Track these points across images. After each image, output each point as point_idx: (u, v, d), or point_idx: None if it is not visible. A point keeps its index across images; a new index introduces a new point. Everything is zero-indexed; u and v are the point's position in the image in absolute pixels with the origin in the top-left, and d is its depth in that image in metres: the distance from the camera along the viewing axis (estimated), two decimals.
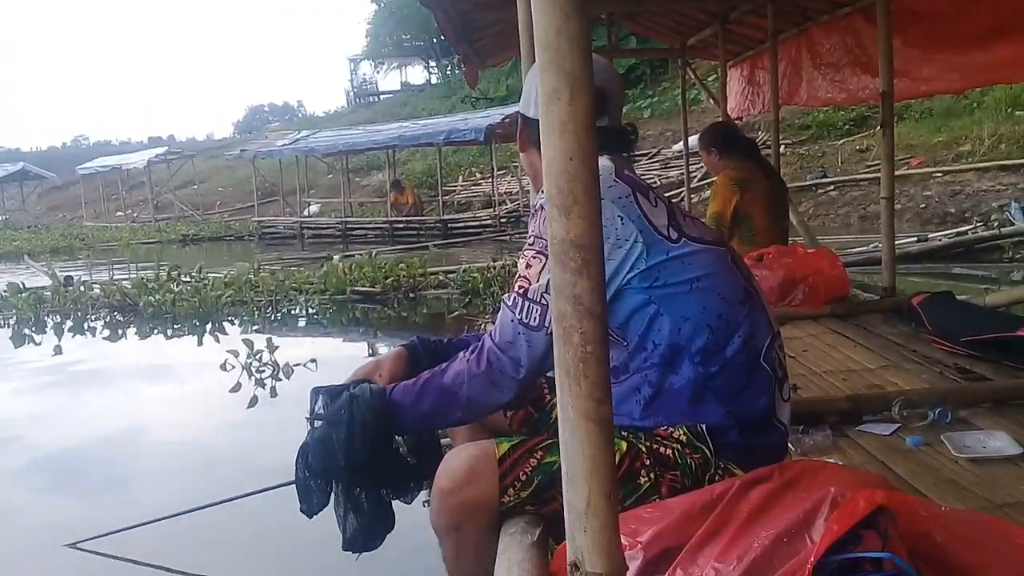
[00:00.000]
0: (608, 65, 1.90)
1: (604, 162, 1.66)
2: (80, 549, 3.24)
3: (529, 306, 1.60)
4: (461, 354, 1.71)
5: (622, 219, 1.59)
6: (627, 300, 1.61)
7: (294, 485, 1.84)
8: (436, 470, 1.70)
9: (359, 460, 1.71)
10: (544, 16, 0.87)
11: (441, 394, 1.68)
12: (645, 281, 1.59)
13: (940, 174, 12.61)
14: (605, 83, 1.69)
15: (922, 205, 11.91)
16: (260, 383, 5.82)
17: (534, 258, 1.62)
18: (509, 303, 1.63)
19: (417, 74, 44.80)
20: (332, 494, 1.79)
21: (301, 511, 1.80)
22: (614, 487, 0.97)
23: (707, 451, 1.61)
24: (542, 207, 1.62)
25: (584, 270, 0.93)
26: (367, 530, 1.80)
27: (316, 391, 1.86)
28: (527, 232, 1.70)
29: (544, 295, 1.56)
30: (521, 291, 1.62)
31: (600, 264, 0.94)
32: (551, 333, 1.56)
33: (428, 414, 1.70)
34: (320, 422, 1.81)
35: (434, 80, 40.09)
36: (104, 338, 8.32)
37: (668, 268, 1.60)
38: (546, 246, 1.58)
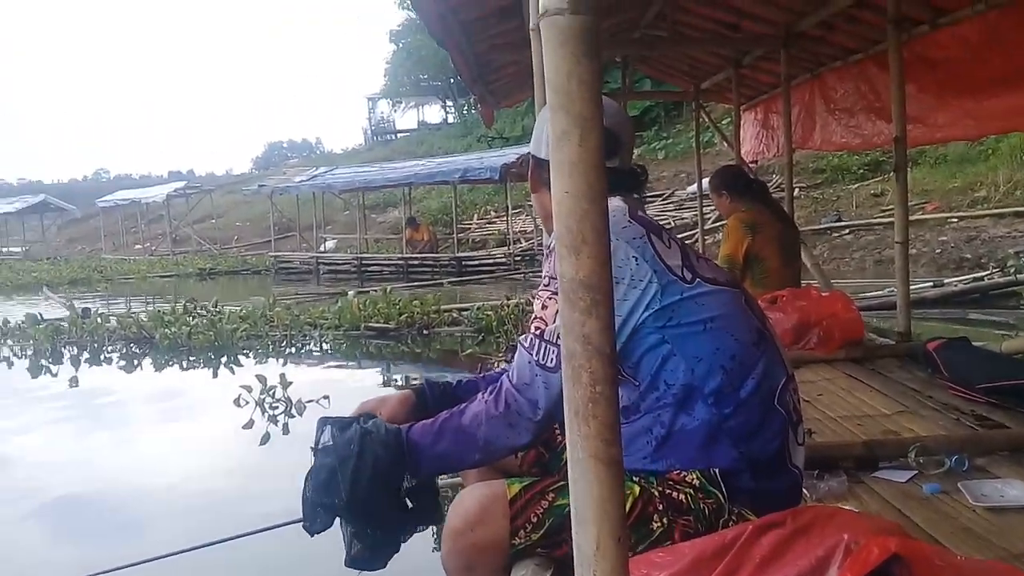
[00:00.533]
0: (619, 108, 1.92)
1: (617, 203, 1.67)
2: None
3: (546, 347, 1.60)
4: (479, 395, 1.71)
5: (637, 260, 1.59)
6: (640, 340, 1.60)
7: (300, 512, 1.83)
8: (430, 514, 1.69)
9: (361, 497, 1.70)
10: (555, 59, 0.88)
11: (459, 434, 1.68)
12: (659, 321, 1.59)
13: (956, 219, 12.57)
14: (616, 125, 1.71)
15: (938, 250, 11.86)
16: (273, 420, 5.82)
17: (549, 299, 1.62)
18: (526, 345, 1.64)
19: (434, 113, 45.30)
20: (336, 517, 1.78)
21: (304, 528, 1.79)
22: (624, 530, 0.96)
23: (720, 496, 1.59)
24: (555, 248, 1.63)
25: (593, 310, 0.93)
26: (371, 551, 1.79)
27: (323, 421, 1.85)
28: (541, 271, 1.70)
29: (560, 337, 1.55)
30: (537, 332, 1.62)
31: (609, 304, 0.94)
32: None
33: (445, 455, 1.70)
34: (325, 453, 1.81)
35: (451, 119, 40.50)
36: (120, 368, 8.36)
37: (682, 308, 1.60)
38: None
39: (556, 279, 1.59)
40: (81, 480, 4.87)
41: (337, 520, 1.79)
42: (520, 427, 1.64)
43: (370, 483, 1.69)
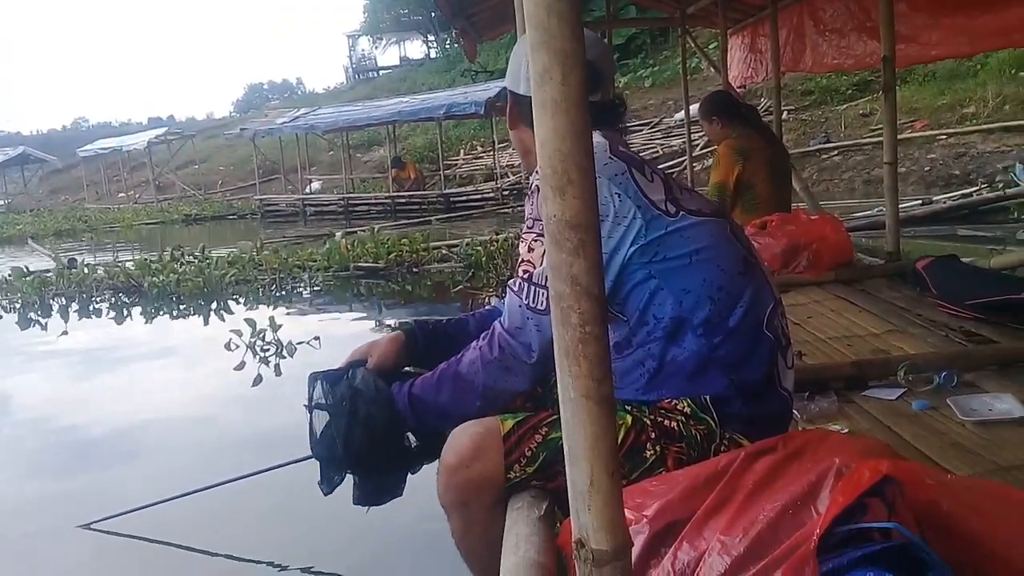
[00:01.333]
0: (598, 39, 1.88)
1: (598, 139, 1.65)
2: (93, 529, 3.28)
3: (535, 290, 1.61)
4: (474, 343, 1.73)
5: (619, 196, 1.58)
6: (627, 276, 1.61)
7: (304, 462, 1.86)
8: (439, 450, 1.72)
9: (360, 453, 1.75)
10: None
11: (457, 382, 1.72)
12: (645, 256, 1.59)
13: (944, 137, 12.52)
14: (597, 58, 1.68)
15: (926, 168, 11.83)
16: (264, 361, 5.84)
17: (535, 241, 1.62)
18: (515, 288, 1.65)
19: (416, 48, 44.58)
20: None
21: (320, 487, 1.85)
22: (617, 465, 0.97)
23: (712, 422, 1.62)
24: (538, 188, 1.62)
25: (580, 250, 0.92)
26: (377, 491, 1.84)
27: (314, 377, 1.87)
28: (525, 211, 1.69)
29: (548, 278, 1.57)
30: (526, 276, 1.63)
31: (597, 244, 0.93)
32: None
33: (447, 405, 1.74)
34: (319, 410, 1.82)
35: (433, 54, 39.84)
36: (110, 319, 8.36)
37: (667, 242, 1.60)
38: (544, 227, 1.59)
39: (540, 220, 1.60)
40: (81, 424, 4.91)
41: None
42: (517, 370, 1.67)
43: (367, 440, 1.73)
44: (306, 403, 1.86)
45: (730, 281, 1.63)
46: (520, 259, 1.67)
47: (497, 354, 1.67)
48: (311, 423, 1.86)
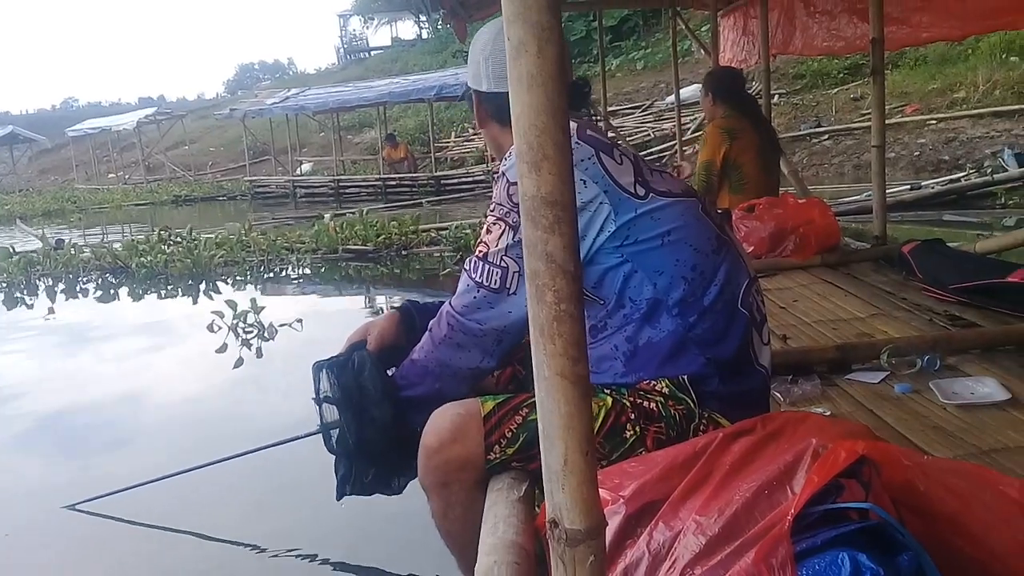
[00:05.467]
0: None
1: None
2: (78, 511, 3.27)
3: (489, 269, 1.64)
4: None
5: (585, 183, 1.58)
6: (600, 262, 1.61)
7: (289, 444, 1.86)
8: None
9: (372, 449, 1.78)
10: None
11: (414, 369, 1.77)
12: (616, 241, 1.60)
13: (934, 122, 12.52)
14: None
15: (916, 153, 11.84)
16: (246, 344, 5.84)
17: (494, 224, 1.65)
18: (469, 268, 1.68)
19: (408, 29, 44.20)
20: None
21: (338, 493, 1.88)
22: (591, 444, 0.97)
23: (690, 402, 1.62)
24: (503, 174, 1.65)
25: (556, 227, 0.91)
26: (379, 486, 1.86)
27: (318, 367, 1.86)
28: None
29: (504, 258, 1.62)
30: (481, 255, 1.66)
31: (572, 221, 0.92)
32: (512, 294, 1.62)
33: (416, 395, 1.77)
34: (328, 404, 1.81)
35: (425, 35, 39.54)
36: (96, 299, 8.32)
37: (637, 225, 1.60)
38: (506, 212, 1.61)
39: (502, 205, 1.63)
40: (62, 405, 4.91)
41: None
42: (468, 346, 1.70)
43: (379, 438, 1.75)
44: (313, 396, 1.86)
45: (703, 260, 1.63)
46: (478, 240, 1.69)
47: (446, 331, 1.70)
48: (321, 416, 1.85)
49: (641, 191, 1.62)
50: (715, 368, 1.64)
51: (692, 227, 1.65)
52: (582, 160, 1.60)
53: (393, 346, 1.90)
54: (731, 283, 1.65)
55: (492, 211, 1.66)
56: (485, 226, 1.68)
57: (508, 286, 1.62)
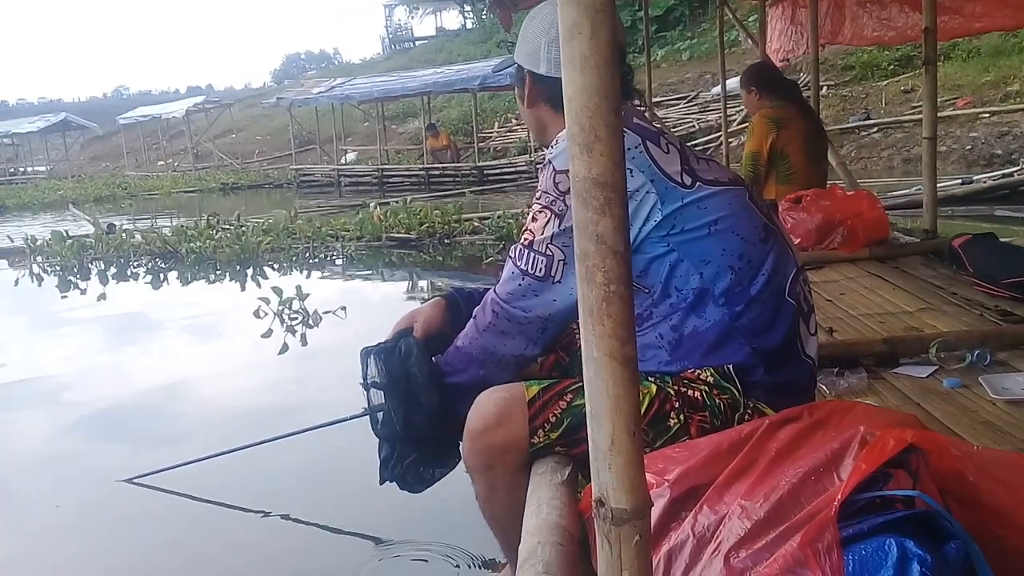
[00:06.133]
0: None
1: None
2: (134, 484, 3.36)
3: (534, 257, 1.64)
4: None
5: (631, 172, 1.57)
6: (646, 251, 1.61)
7: (337, 424, 1.89)
8: None
9: (419, 434, 1.80)
10: None
11: (458, 356, 1.78)
12: (662, 230, 1.59)
13: (987, 115, 12.24)
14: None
15: (968, 147, 11.59)
16: (291, 330, 5.92)
17: (540, 212, 1.65)
18: (514, 255, 1.68)
19: (452, 19, 44.32)
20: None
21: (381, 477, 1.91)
22: (638, 425, 0.97)
23: (735, 391, 1.61)
24: (550, 162, 1.65)
25: (607, 208, 0.92)
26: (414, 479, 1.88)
27: (366, 353, 1.88)
28: None
29: (549, 246, 1.62)
30: (527, 243, 1.66)
31: (623, 202, 0.93)
32: (557, 283, 1.63)
33: (459, 382, 1.77)
34: (375, 389, 1.84)
35: (469, 25, 39.58)
36: (147, 284, 8.50)
37: (684, 215, 1.59)
38: (552, 201, 1.62)
39: (548, 193, 1.64)
40: (114, 391, 5.01)
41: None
42: (512, 334, 1.70)
43: (426, 422, 1.77)
44: (361, 381, 1.89)
45: (751, 249, 1.62)
46: (524, 228, 1.70)
47: (491, 319, 1.70)
48: (368, 401, 1.88)
49: (688, 180, 1.61)
50: (761, 358, 1.63)
51: (739, 216, 1.64)
52: (628, 149, 1.59)
53: (439, 333, 1.91)
54: (778, 273, 1.64)
55: (538, 199, 1.66)
56: (531, 214, 1.68)
57: (553, 274, 1.62)
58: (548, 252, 1.62)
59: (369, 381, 1.87)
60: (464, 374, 1.77)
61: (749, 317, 1.62)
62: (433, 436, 1.82)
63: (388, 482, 1.90)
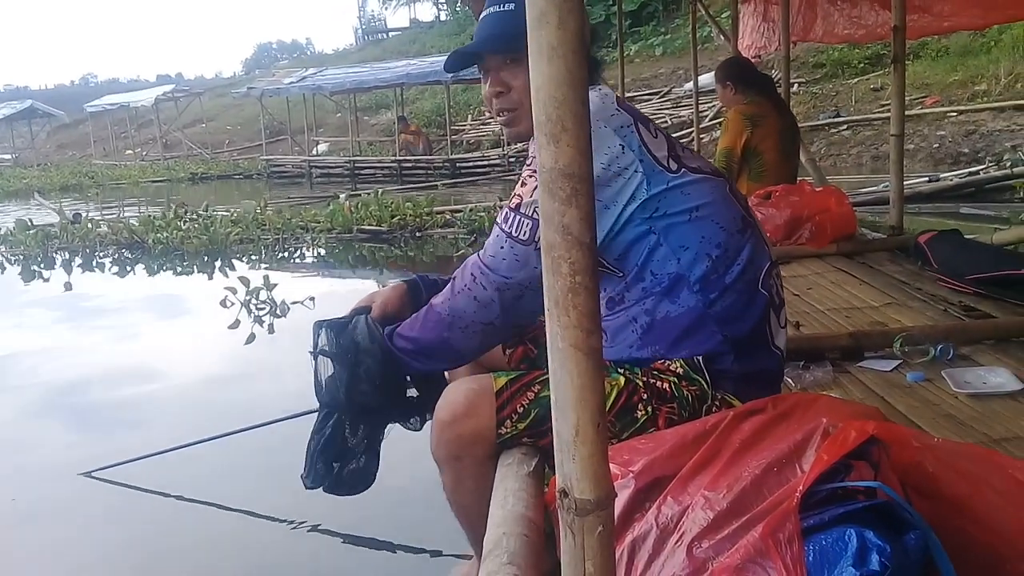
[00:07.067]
0: None
1: (606, 90, 1.68)
2: (94, 477, 3.32)
3: (520, 220, 1.62)
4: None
5: (623, 148, 1.58)
6: (627, 232, 1.61)
7: (303, 417, 1.87)
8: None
9: (361, 401, 1.78)
10: None
11: (429, 314, 1.73)
12: (646, 212, 1.59)
13: (955, 114, 12.40)
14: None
15: (935, 145, 11.75)
16: (258, 320, 5.88)
17: (529, 177, 1.64)
18: (500, 219, 1.67)
19: (426, 10, 44.39)
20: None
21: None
22: (603, 416, 0.98)
23: (704, 383, 1.62)
24: None
25: (573, 199, 0.91)
26: (350, 477, 1.86)
27: (319, 324, 1.87)
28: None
29: (536, 210, 1.57)
30: (514, 206, 1.65)
31: (590, 193, 0.93)
32: (540, 248, 1.58)
33: (422, 339, 1.74)
34: (323, 356, 1.83)
35: (443, 17, 39.43)
36: (113, 274, 8.39)
37: (668, 198, 1.60)
38: None
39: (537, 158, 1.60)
40: (75, 379, 4.95)
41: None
42: (486, 300, 1.66)
43: (369, 390, 1.75)
44: (310, 350, 1.87)
45: (728, 239, 1.63)
46: (512, 193, 1.68)
47: (468, 282, 1.67)
48: (315, 369, 1.87)
49: (674, 165, 1.62)
50: (731, 346, 1.64)
51: (720, 205, 1.65)
52: (622, 127, 1.60)
53: (396, 316, 1.88)
54: (753, 264, 1.65)
55: (529, 164, 1.65)
56: (520, 180, 1.67)
57: (536, 239, 1.58)
58: (535, 216, 1.59)
59: (318, 350, 1.86)
60: (429, 334, 1.73)
61: (723, 305, 1.62)
62: (376, 404, 1.80)
63: (318, 487, 1.89)
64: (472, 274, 1.67)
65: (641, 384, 1.63)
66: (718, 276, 1.62)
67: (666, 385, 1.62)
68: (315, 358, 1.87)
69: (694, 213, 1.61)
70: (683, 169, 1.63)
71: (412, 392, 1.92)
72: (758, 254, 1.67)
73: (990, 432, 2.12)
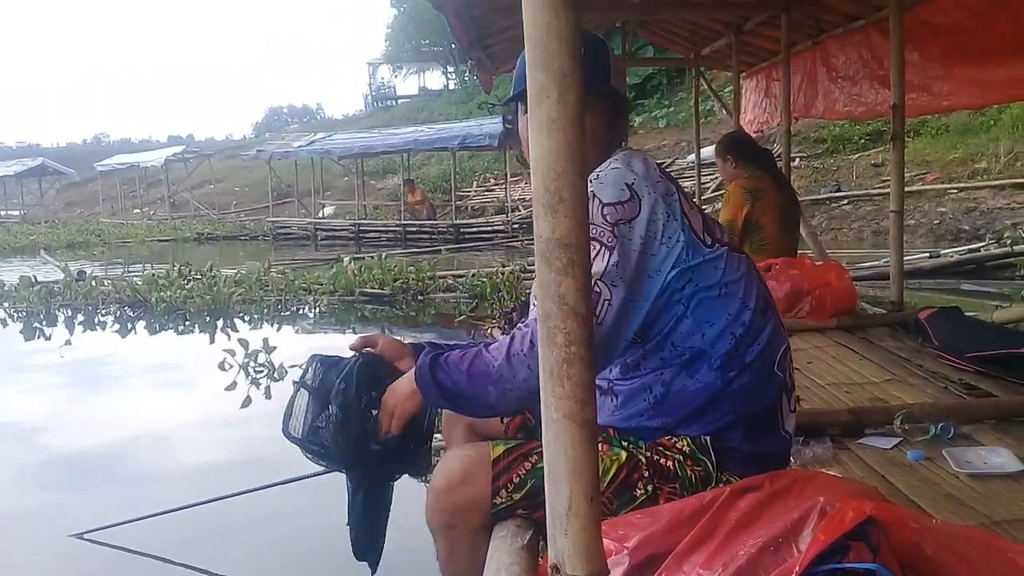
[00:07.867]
0: (601, 39, 1.88)
1: (646, 156, 1.70)
2: (85, 540, 3.27)
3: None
4: (501, 337, 1.62)
5: (669, 216, 1.58)
6: (659, 303, 1.58)
7: (296, 483, 1.84)
8: (411, 460, 1.72)
9: (324, 438, 1.73)
10: (533, 13, 0.87)
11: (478, 361, 1.56)
12: (680, 282, 1.58)
13: (955, 191, 12.53)
14: (605, 55, 1.75)
15: (936, 221, 11.83)
16: (255, 383, 5.86)
17: (589, 243, 1.56)
18: None
19: (435, 79, 44.91)
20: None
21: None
22: (596, 489, 0.96)
23: (709, 464, 1.60)
24: (594, 195, 1.56)
25: (569, 270, 0.92)
26: (368, 536, 1.81)
27: (313, 358, 1.84)
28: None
29: (598, 282, 1.49)
30: None
31: (586, 264, 0.93)
32: (600, 324, 1.50)
33: (465, 393, 1.57)
34: (304, 389, 1.80)
35: (452, 85, 40.19)
36: (114, 332, 8.38)
37: (702, 271, 1.59)
38: (601, 232, 1.51)
39: (596, 225, 1.52)
40: (71, 441, 4.92)
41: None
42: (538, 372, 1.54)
43: (330, 434, 1.70)
44: (295, 380, 1.85)
45: (752, 317, 1.61)
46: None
47: (526, 349, 1.50)
48: (292, 399, 1.82)
49: (708, 239, 1.62)
50: (742, 425, 1.61)
51: (747, 282, 1.64)
52: (667, 195, 1.60)
53: (389, 363, 1.79)
54: (771, 345, 1.63)
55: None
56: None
57: (598, 315, 1.49)
58: (596, 288, 1.50)
59: (301, 381, 1.83)
60: (471, 382, 1.56)
61: (740, 384, 1.60)
62: (336, 450, 1.72)
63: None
64: (532, 343, 1.48)
65: (644, 460, 1.60)
66: (739, 355, 1.59)
67: (670, 463, 1.60)
68: (296, 389, 1.85)
69: (723, 289, 1.60)
70: (716, 243, 1.63)
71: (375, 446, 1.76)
72: (776, 335, 1.66)
73: (991, 513, 2.08)
